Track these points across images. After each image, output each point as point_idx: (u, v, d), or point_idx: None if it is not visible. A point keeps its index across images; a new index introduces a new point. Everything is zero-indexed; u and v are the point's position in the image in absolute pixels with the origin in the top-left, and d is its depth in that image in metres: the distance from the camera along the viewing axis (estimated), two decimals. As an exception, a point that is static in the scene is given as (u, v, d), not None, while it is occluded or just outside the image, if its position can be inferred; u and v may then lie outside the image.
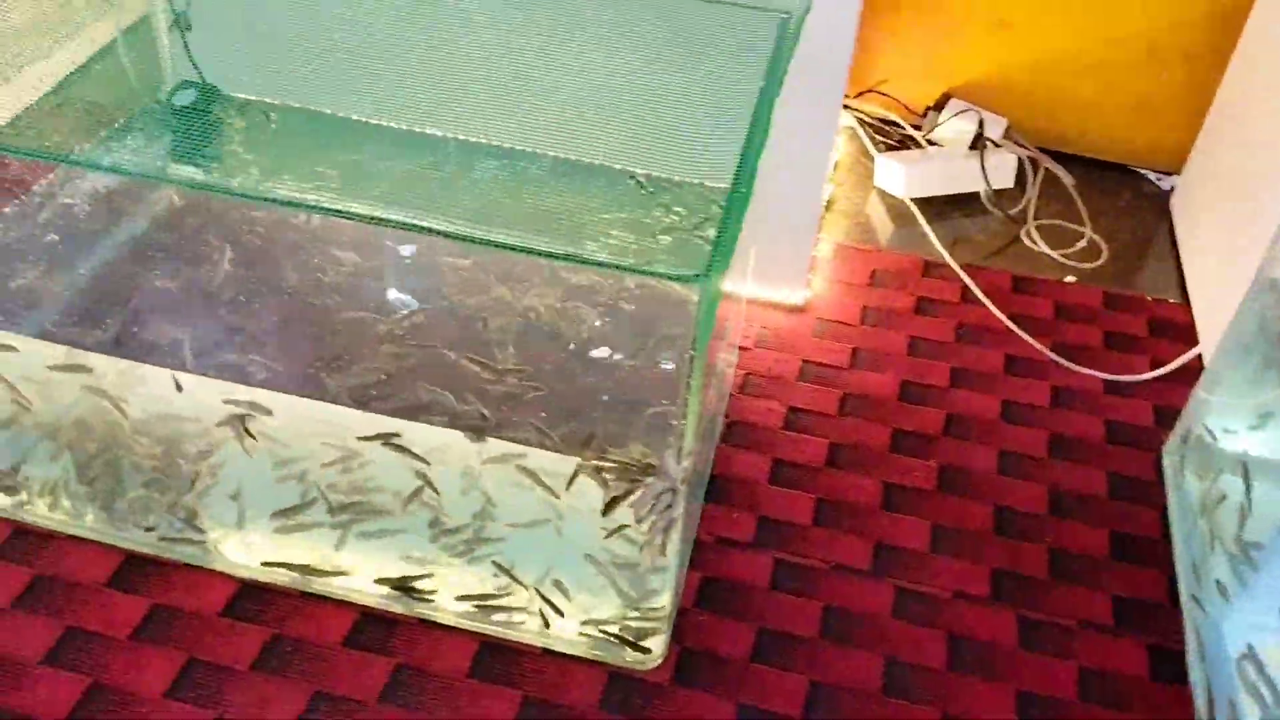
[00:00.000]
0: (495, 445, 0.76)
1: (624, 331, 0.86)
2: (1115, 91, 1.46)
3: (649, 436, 0.76)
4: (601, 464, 0.74)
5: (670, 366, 0.84)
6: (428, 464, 0.78)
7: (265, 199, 0.69)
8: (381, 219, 0.66)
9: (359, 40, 0.94)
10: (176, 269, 0.89)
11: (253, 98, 0.99)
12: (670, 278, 0.63)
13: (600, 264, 0.65)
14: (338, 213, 0.68)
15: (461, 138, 0.92)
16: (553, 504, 0.78)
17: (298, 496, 0.84)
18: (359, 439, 0.78)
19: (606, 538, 0.78)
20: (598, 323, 0.86)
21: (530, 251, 0.66)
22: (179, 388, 0.79)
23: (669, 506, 0.75)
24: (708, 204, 0.90)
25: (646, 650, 0.85)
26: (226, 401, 0.78)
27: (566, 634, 0.86)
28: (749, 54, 0.90)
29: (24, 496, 0.92)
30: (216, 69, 0.99)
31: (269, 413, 0.78)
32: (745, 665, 0.86)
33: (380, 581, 0.87)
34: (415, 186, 0.88)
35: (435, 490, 0.80)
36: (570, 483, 0.75)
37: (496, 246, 0.67)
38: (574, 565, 0.81)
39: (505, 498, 0.79)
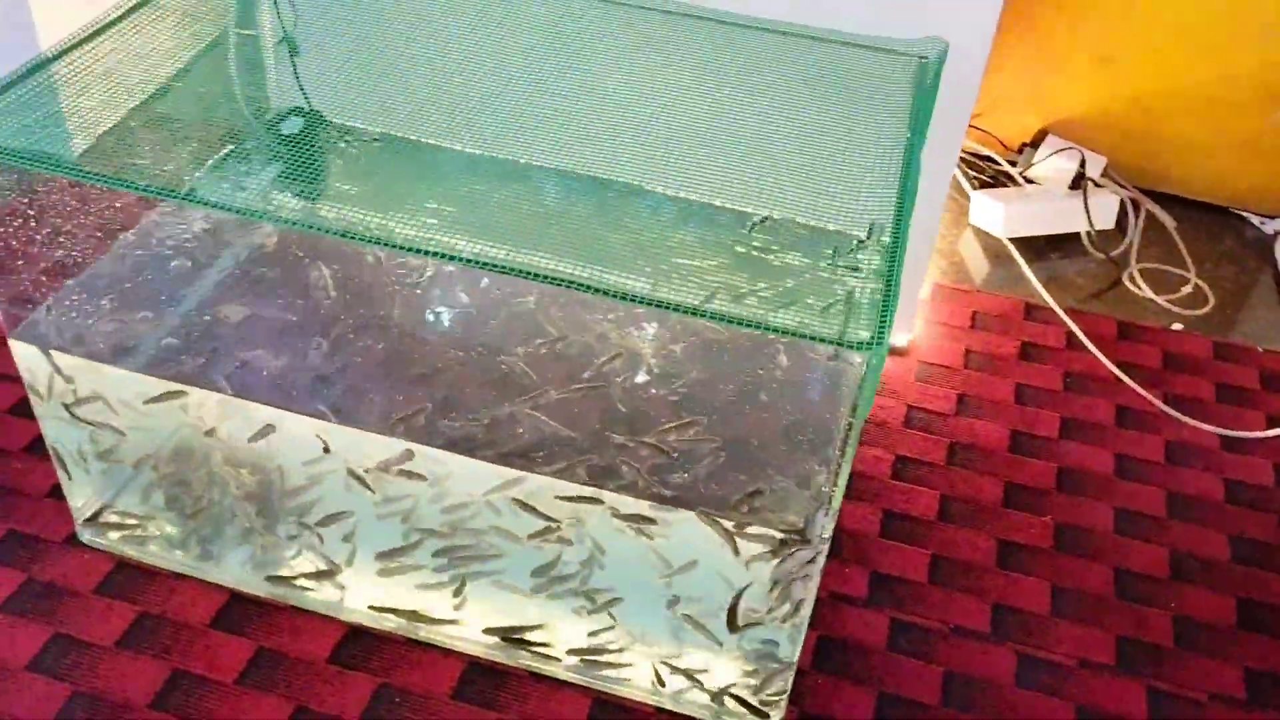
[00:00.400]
0: (618, 500, 0.73)
1: (762, 387, 0.83)
2: (1222, 131, 1.42)
3: (786, 498, 0.73)
4: (743, 530, 0.71)
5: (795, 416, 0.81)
6: (552, 520, 0.76)
7: (382, 241, 0.66)
8: (530, 271, 0.64)
9: (488, 75, 0.92)
10: (290, 303, 0.87)
11: (359, 125, 0.96)
12: (839, 344, 0.60)
13: (764, 327, 0.62)
14: (470, 261, 0.65)
15: (584, 173, 0.90)
16: (670, 561, 0.75)
17: (402, 538, 0.82)
18: (485, 494, 0.76)
19: (735, 627, 0.75)
20: (734, 380, 0.83)
21: (672, 307, 0.63)
22: (326, 449, 0.77)
23: (808, 576, 0.72)
24: (841, 254, 0.87)
25: (765, 715, 0.82)
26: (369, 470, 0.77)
27: (681, 693, 0.83)
28: (880, 98, 0.87)
29: (128, 532, 0.90)
30: (321, 94, 0.97)
31: (410, 457, 0.76)
32: (868, 733, 0.83)
33: (489, 631, 0.85)
34: (533, 226, 0.86)
35: (551, 542, 0.77)
36: (733, 544, 0.72)
37: (635, 301, 0.64)
38: (691, 623, 0.78)
39: (622, 552, 0.77)
